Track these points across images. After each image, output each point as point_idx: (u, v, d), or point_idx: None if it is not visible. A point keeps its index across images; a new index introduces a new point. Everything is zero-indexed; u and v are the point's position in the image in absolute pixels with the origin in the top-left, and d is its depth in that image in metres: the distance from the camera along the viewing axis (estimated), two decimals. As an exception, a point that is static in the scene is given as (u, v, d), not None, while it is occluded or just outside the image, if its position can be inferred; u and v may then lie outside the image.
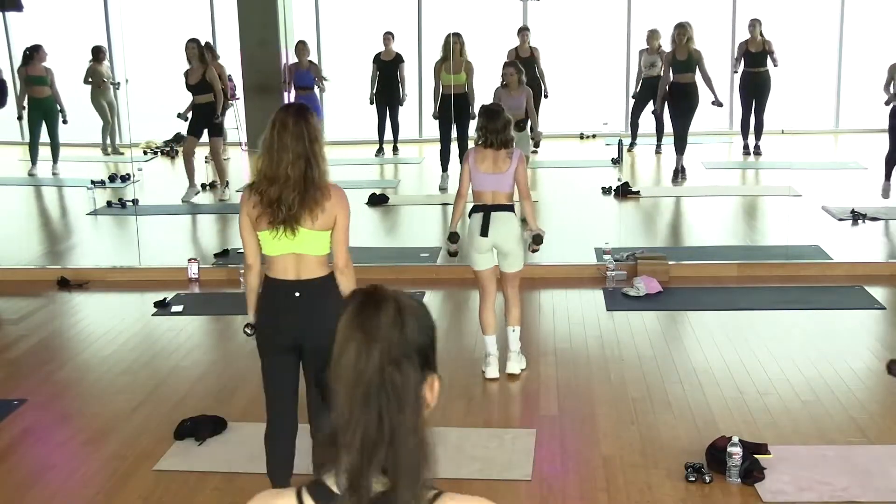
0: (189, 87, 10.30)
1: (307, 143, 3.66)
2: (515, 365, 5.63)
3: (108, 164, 12.52)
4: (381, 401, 1.46)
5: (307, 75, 11.51)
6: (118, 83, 12.52)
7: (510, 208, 5.46)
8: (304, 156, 3.64)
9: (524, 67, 11.55)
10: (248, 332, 3.91)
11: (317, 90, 11.83)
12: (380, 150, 12.55)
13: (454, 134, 10.25)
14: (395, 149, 12.58)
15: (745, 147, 12.04)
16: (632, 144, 12.31)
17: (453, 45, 10.03)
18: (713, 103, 10.73)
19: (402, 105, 12.34)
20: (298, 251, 3.73)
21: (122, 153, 12.83)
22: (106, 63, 12.58)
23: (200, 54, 10.28)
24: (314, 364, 3.82)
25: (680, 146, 10.77)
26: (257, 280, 3.88)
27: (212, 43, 12.67)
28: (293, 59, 11.63)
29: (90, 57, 12.57)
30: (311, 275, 3.75)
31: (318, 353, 3.75)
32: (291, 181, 3.65)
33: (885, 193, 9.48)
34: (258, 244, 3.81)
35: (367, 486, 1.45)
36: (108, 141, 12.90)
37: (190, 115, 10.50)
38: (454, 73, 10.05)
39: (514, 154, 5.42)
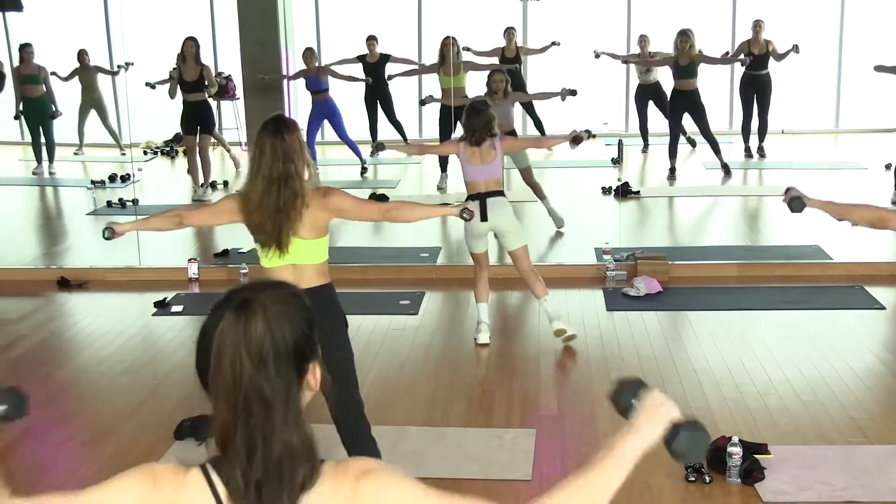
0: (183, 83, 10.33)
1: (281, 164, 3.64)
2: (559, 323, 6.03)
3: (111, 164, 12.50)
4: (254, 410, 1.54)
5: (318, 80, 11.41)
6: (115, 71, 12.48)
7: (502, 192, 6.05)
8: (276, 181, 3.64)
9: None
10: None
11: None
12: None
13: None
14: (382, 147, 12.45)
15: (747, 150, 11.93)
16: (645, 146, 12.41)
17: (447, 48, 10.04)
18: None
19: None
20: (295, 262, 3.73)
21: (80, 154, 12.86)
22: (93, 65, 12.54)
23: (197, 54, 10.42)
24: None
25: (715, 148, 10.64)
26: (163, 223, 3.97)
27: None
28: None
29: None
30: (308, 284, 3.68)
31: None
32: (265, 208, 3.68)
33: None
34: (214, 223, 3.92)
35: (254, 481, 1.55)
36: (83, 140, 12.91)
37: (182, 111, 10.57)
38: (452, 75, 10.03)
39: (496, 142, 5.92)
